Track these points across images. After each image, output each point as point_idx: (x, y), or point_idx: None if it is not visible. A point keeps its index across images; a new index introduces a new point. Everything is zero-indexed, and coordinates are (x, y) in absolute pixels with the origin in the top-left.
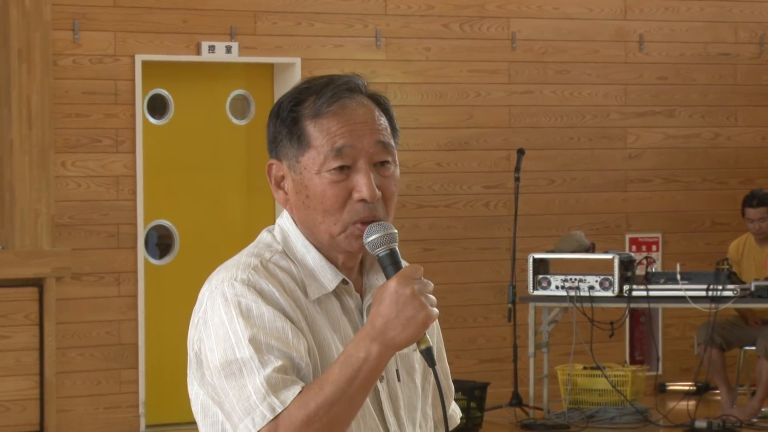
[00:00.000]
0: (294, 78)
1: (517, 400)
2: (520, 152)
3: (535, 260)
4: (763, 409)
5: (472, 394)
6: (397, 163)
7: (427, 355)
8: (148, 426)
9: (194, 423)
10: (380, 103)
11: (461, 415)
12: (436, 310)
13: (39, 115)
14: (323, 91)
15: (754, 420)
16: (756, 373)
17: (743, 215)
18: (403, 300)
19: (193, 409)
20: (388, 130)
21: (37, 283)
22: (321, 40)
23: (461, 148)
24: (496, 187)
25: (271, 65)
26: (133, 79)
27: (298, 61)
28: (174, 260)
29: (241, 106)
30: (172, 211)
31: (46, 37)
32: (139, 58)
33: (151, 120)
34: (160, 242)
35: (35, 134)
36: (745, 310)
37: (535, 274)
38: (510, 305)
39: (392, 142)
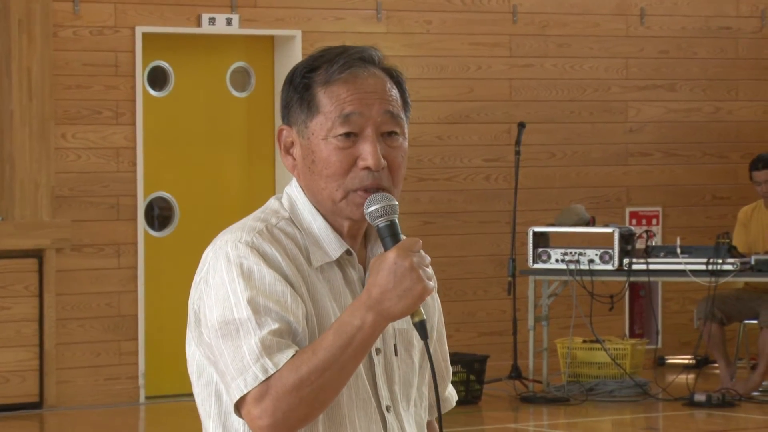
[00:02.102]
0: (294, 50)
1: (516, 373)
2: (521, 126)
3: (535, 234)
4: (764, 383)
5: (471, 367)
6: (407, 136)
7: (420, 327)
8: (147, 397)
9: (193, 394)
10: (393, 75)
11: (456, 398)
12: (432, 283)
13: (39, 87)
14: (336, 59)
15: (755, 394)
16: (759, 346)
17: (751, 179)
18: (401, 272)
19: (189, 369)
20: (399, 102)
21: (37, 255)
22: (322, 12)
23: (462, 121)
24: (496, 160)
25: (272, 38)
26: (133, 51)
27: (298, 33)
28: (174, 232)
29: (241, 79)
30: (172, 183)
31: (46, 8)
32: (139, 30)
33: (152, 92)
34: (160, 214)
35: (35, 106)
36: None
37: (535, 247)
38: (510, 278)
39: (402, 114)
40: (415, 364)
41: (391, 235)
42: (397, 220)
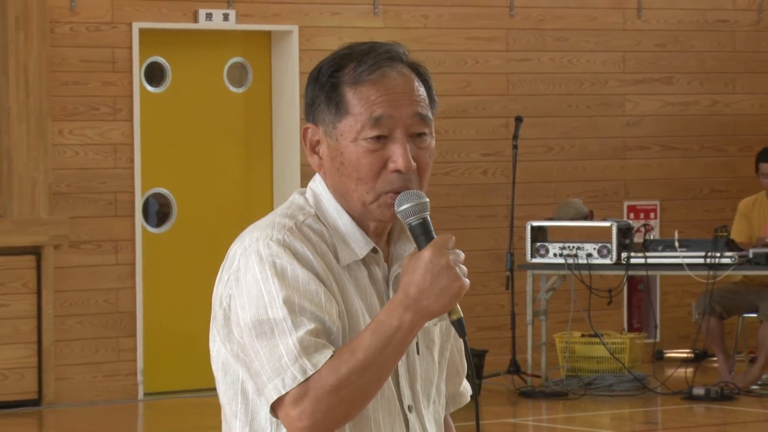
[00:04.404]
0: (291, 46)
1: (515, 368)
2: (518, 120)
3: (533, 228)
4: (763, 376)
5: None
6: (433, 134)
7: (459, 325)
8: (146, 394)
9: (193, 391)
10: (420, 73)
11: (470, 392)
12: (468, 280)
13: (36, 83)
14: (364, 59)
15: (754, 387)
16: (759, 339)
17: (757, 171)
18: (438, 270)
19: (213, 366)
20: (426, 101)
21: (35, 252)
22: (319, 7)
23: (459, 115)
24: (494, 154)
25: (269, 33)
26: (130, 47)
27: (295, 28)
28: (172, 228)
29: (238, 74)
30: (170, 179)
31: (43, 4)
32: (136, 26)
33: (149, 88)
34: (159, 210)
35: (32, 102)
36: None
37: (533, 241)
38: (508, 273)
39: (430, 114)
40: (436, 362)
41: (424, 233)
42: (428, 218)
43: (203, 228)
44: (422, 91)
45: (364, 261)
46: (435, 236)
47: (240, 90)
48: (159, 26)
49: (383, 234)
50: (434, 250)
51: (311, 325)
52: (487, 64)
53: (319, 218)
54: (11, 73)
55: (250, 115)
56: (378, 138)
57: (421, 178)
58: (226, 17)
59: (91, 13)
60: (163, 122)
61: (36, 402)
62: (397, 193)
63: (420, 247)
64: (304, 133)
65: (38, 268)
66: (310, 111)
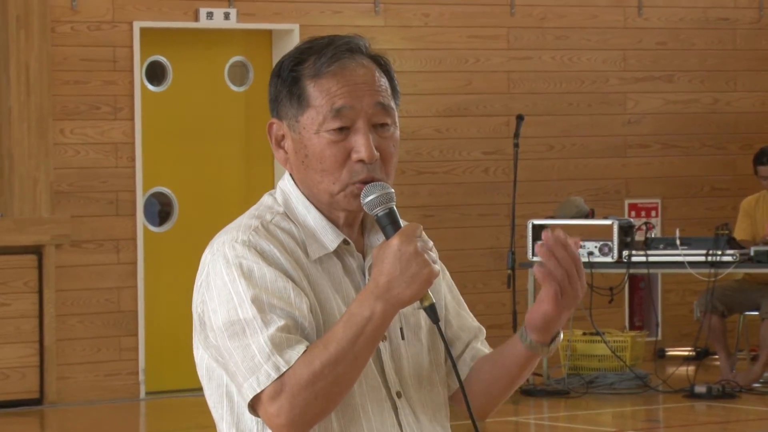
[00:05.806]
0: (292, 44)
1: None
2: (519, 118)
3: (534, 226)
4: (765, 374)
5: None
6: (398, 124)
7: (431, 311)
8: (148, 393)
9: (194, 390)
10: (381, 63)
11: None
12: (437, 266)
13: (37, 82)
14: (324, 51)
15: (755, 385)
16: (760, 337)
17: (755, 173)
18: (406, 257)
19: (199, 372)
20: (389, 91)
21: (37, 251)
22: (319, 6)
23: (460, 114)
24: (495, 153)
25: (270, 32)
26: (131, 46)
27: (296, 27)
28: (173, 227)
29: (239, 73)
30: (171, 178)
31: (43, 3)
32: (137, 25)
33: (150, 87)
34: (160, 210)
35: (34, 101)
36: None
37: (534, 240)
38: (509, 271)
39: (392, 104)
40: (425, 346)
41: (391, 223)
42: (395, 208)
43: (204, 227)
44: (384, 81)
45: (337, 253)
46: (402, 225)
47: (241, 89)
48: (160, 25)
49: (354, 225)
50: (402, 238)
51: (281, 322)
52: (488, 62)
53: (287, 216)
54: (12, 73)
55: (251, 113)
56: (340, 129)
57: (386, 168)
58: (227, 16)
59: (92, 12)
60: (164, 121)
61: (37, 401)
62: (363, 183)
63: (388, 237)
64: (269, 128)
65: (40, 267)
66: (274, 106)
